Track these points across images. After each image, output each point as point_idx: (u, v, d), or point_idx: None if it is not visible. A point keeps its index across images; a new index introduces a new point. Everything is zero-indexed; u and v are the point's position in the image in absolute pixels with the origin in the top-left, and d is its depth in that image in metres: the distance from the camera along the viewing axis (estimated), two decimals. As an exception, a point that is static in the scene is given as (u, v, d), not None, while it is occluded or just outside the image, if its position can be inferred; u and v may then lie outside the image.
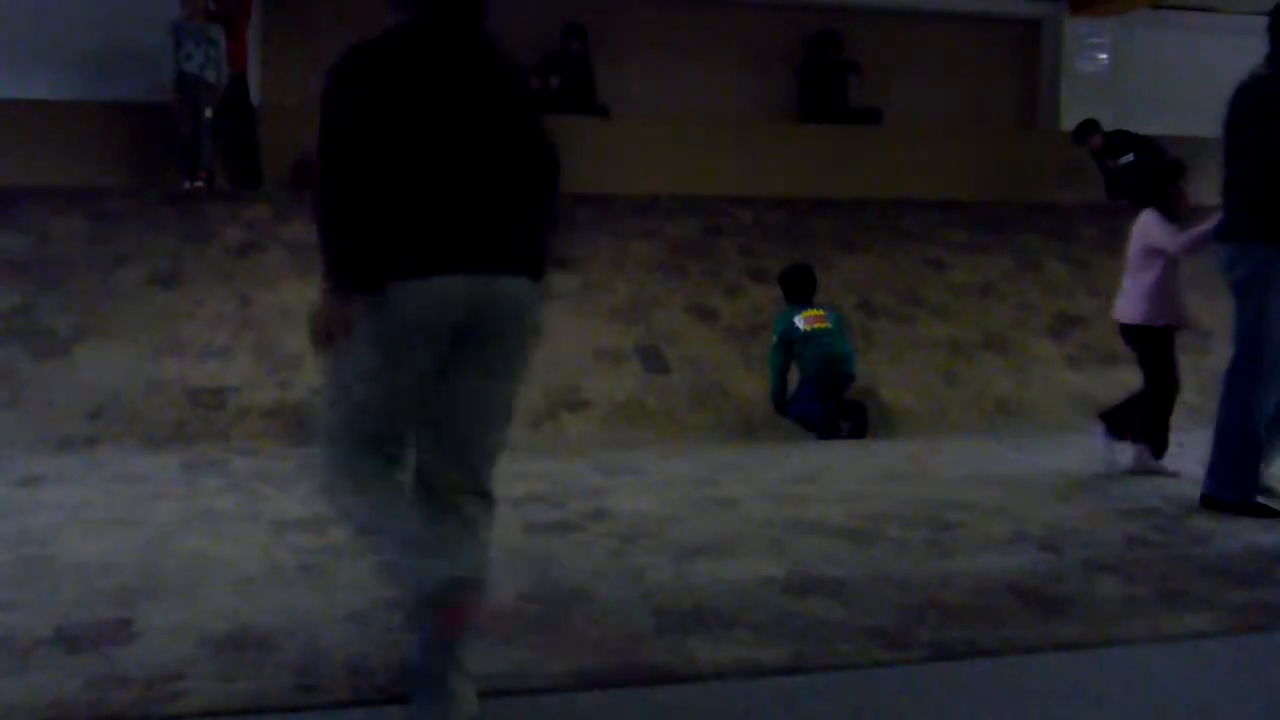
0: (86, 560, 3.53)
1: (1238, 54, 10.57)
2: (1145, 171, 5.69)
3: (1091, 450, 5.99)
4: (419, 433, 2.48)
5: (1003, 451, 5.96)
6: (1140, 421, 5.36)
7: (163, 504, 4.45)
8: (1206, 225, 4.91)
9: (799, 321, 6.61)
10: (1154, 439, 5.35)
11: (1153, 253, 5.29)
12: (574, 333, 7.22)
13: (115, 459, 5.51)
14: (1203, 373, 7.62)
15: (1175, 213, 5.32)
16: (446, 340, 2.42)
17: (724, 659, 2.69)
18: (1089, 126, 9.66)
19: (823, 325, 6.60)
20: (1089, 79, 10.59)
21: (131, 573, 3.39)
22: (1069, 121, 10.55)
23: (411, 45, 2.51)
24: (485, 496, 2.52)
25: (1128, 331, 5.51)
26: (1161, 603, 3.17)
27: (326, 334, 2.39)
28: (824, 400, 6.46)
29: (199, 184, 8.02)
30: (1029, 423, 6.91)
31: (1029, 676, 2.66)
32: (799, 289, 6.86)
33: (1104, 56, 10.59)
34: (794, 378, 6.68)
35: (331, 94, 2.43)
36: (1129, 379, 7.50)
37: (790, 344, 6.58)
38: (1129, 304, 5.45)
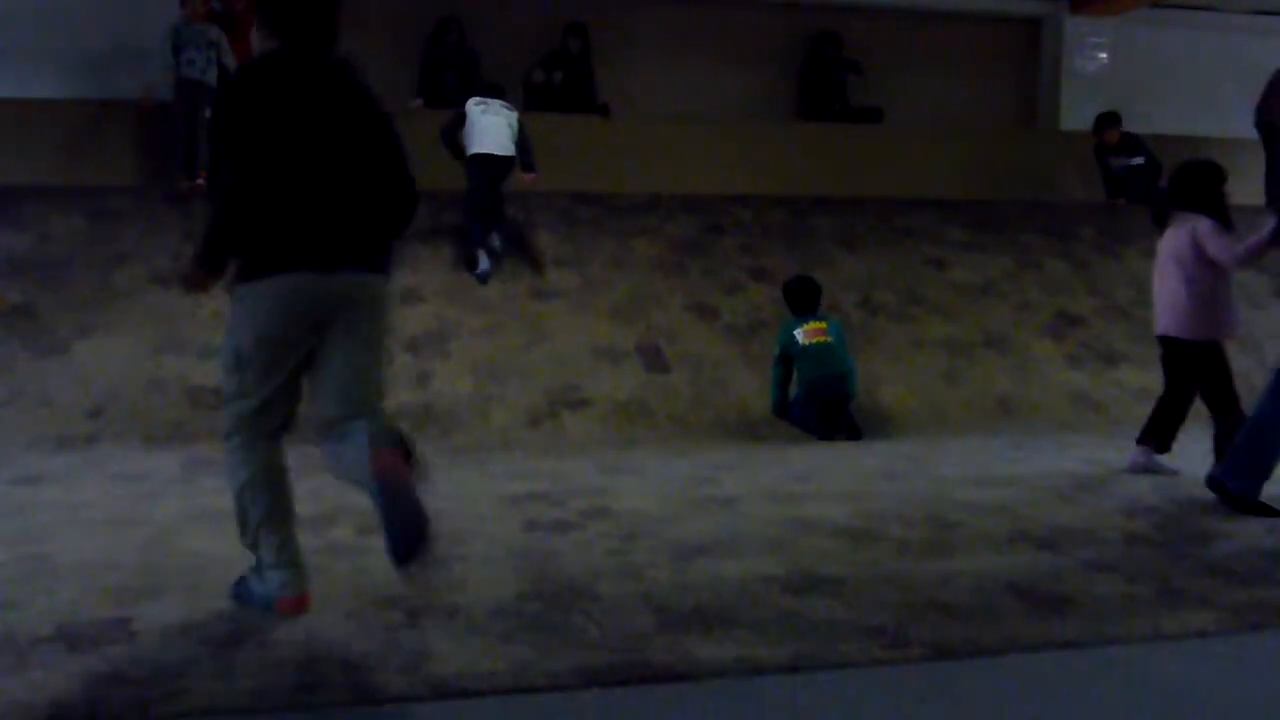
0: (86, 559, 3.53)
1: (1238, 52, 10.65)
2: (1193, 172, 5.02)
3: (1091, 449, 6.00)
4: (313, 400, 3.03)
5: (1002, 450, 5.96)
6: (1222, 441, 4.77)
7: (163, 502, 4.45)
8: (1263, 233, 4.71)
9: (799, 335, 6.60)
10: (1159, 436, 5.26)
11: (1208, 263, 4.84)
12: (574, 331, 7.23)
13: (115, 457, 5.51)
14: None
15: (1228, 218, 4.91)
16: (309, 326, 2.96)
17: (724, 658, 2.69)
18: (1111, 119, 9.61)
19: (822, 339, 6.56)
20: (1089, 77, 10.58)
21: (131, 571, 3.39)
22: (1069, 120, 10.55)
23: (276, 70, 3.02)
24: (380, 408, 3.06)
25: (1180, 347, 4.99)
26: (1161, 602, 3.17)
27: (187, 287, 3.18)
28: (821, 415, 6.49)
29: (199, 183, 8.02)
30: (1029, 421, 6.92)
31: (1029, 675, 2.66)
32: (801, 300, 6.81)
33: (1104, 55, 10.59)
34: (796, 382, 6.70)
35: (219, 108, 3.05)
36: (1128, 378, 7.53)
37: (790, 358, 6.58)
38: (1182, 318, 4.93)
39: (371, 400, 3.02)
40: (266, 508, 3.08)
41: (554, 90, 9.27)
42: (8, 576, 3.33)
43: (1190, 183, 4.99)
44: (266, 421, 3.05)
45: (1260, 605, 3.15)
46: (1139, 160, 9.55)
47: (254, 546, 3.08)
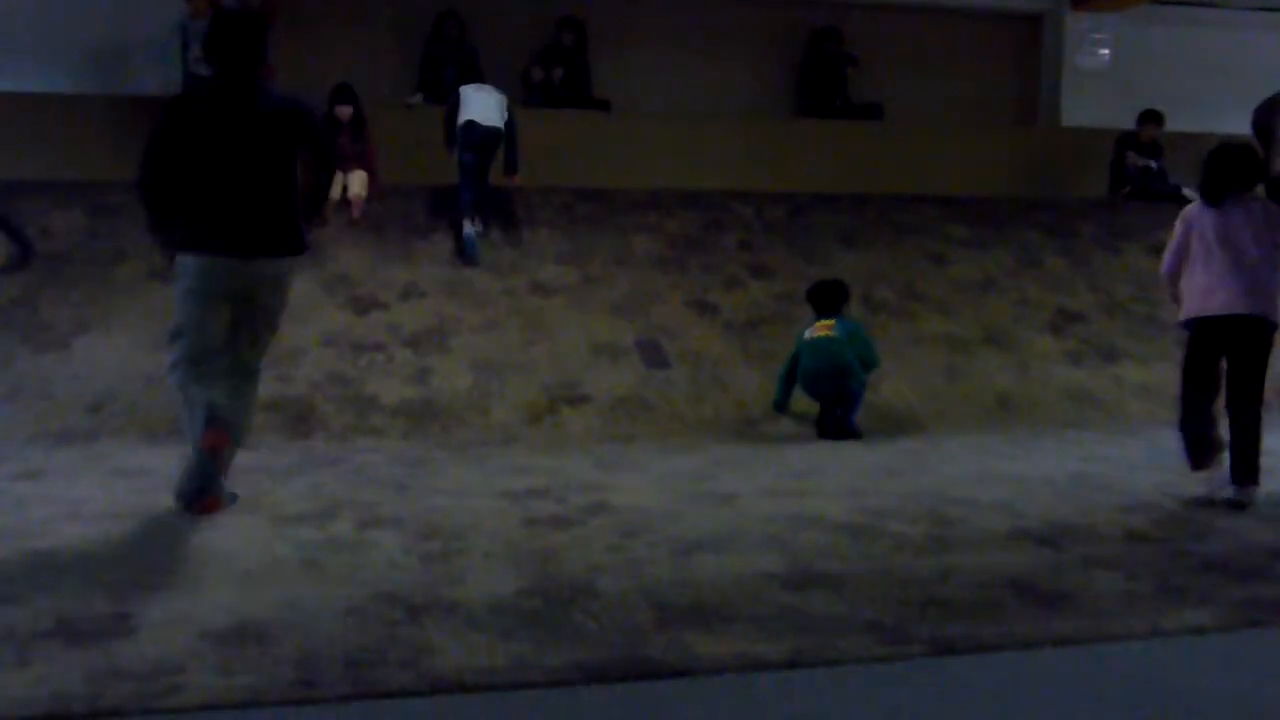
0: (86, 553, 3.53)
1: (1239, 48, 10.64)
2: (1244, 152, 4.77)
3: (1091, 445, 6.00)
4: (234, 345, 4.19)
5: (1002, 447, 5.96)
6: (1242, 443, 4.55)
7: (162, 497, 4.45)
8: None
9: (808, 332, 6.61)
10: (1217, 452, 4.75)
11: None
12: (574, 327, 7.23)
13: (115, 452, 5.52)
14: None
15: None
16: (230, 297, 4.11)
17: (723, 653, 2.69)
18: (1156, 118, 9.67)
19: (825, 334, 6.53)
20: (1090, 74, 10.58)
21: (131, 566, 3.39)
22: (1070, 117, 10.55)
23: (205, 97, 4.25)
24: (257, 370, 4.35)
25: (1251, 327, 4.56)
26: (1161, 598, 3.18)
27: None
28: (820, 410, 6.47)
29: None
30: (1029, 418, 6.91)
31: (1028, 672, 2.66)
32: (819, 300, 6.80)
33: (1105, 52, 10.58)
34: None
35: (159, 122, 4.07)
36: (1128, 374, 7.53)
37: (798, 356, 6.57)
38: (1264, 298, 4.55)
39: (253, 361, 4.31)
40: (199, 405, 4.08)
41: (554, 88, 9.26)
42: (7, 571, 3.33)
43: (1246, 162, 4.76)
44: (201, 358, 4.10)
45: (1259, 602, 3.15)
46: (1156, 164, 9.59)
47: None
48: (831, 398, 6.46)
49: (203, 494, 4.02)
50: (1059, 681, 2.59)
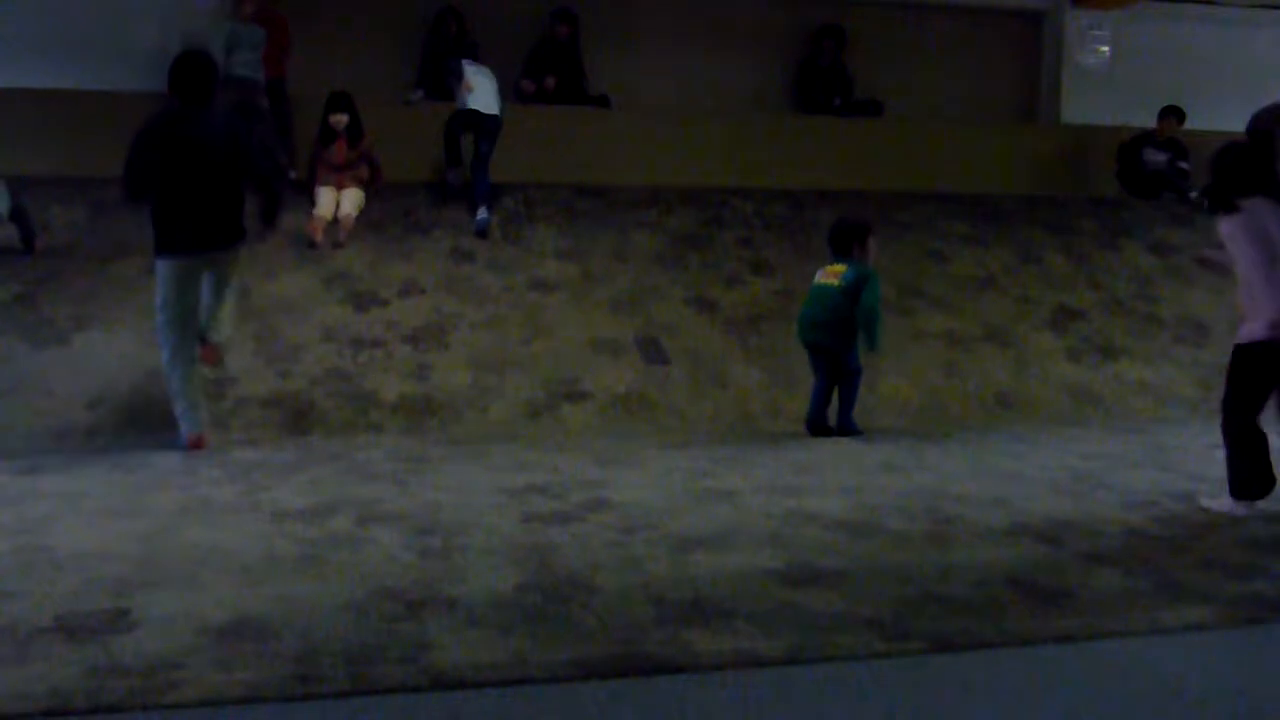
0: (85, 550, 3.54)
1: (1239, 46, 10.64)
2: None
3: (1090, 442, 6.00)
4: (206, 308, 5.67)
5: (1002, 444, 5.96)
6: None
7: (162, 494, 4.46)
8: None
9: (818, 273, 6.43)
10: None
11: None
12: (573, 324, 7.23)
13: (114, 448, 5.52)
14: (1201, 366, 7.64)
15: None
16: (196, 275, 5.49)
17: (723, 650, 2.69)
18: (1177, 113, 9.69)
19: (827, 282, 6.30)
20: (1091, 71, 10.57)
21: (130, 562, 3.39)
22: (1070, 114, 10.55)
23: (171, 120, 5.38)
24: (231, 289, 5.82)
25: None
26: (1160, 595, 3.18)
27: None
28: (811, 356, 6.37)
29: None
30: (1028, 415, 6.92)
31: (1028, 668, 2.67)
32: (833, 242, 6.52)
33: (1106, 49, 10.57)
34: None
35: (133, 145, 5.30)
36: (1128, 372, 7.54)
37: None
38: None
39: (222, 308, 5.77)
40: (180, 378, 5.51)
41: (547, 96, 9.22)
42: (7, 567, 3.33)
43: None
44: (179, 325, 5.46)
45: (1258, 599, 3.15)
46: (1184, 164, 9.62)
47: (174, 401, 5.58)
48: (818, 349, 6.30)
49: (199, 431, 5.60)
50: (1058, 678, 2.59)
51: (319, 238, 7.56)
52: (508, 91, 8.68)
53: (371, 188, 8.12)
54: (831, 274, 6.34)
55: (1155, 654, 2.76)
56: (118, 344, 6.52)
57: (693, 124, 9.42)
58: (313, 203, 7.85)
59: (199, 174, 5.33)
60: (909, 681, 2.55)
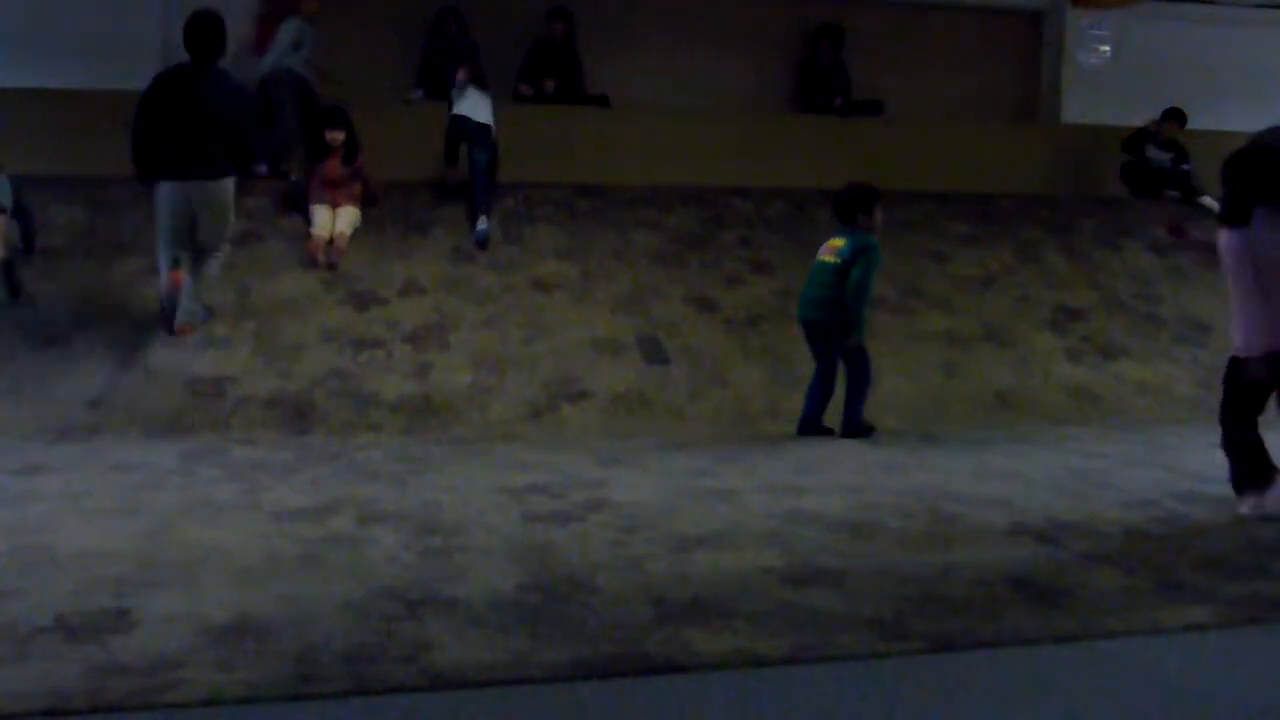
0: (85, 549, 3.53)
1: (1240, 46, 10.63)
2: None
3: (1090, 442, 5.99)
4: (194, 238, 6.49)
5: (1002, 443, 5.96)
6: None
7: (162, 493, 4.45)
8: None
9: (821, 248, 6.28)
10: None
11: None
12: (574, 324, 7.22)
13: (114, 448, 5.51)
14: (1201, 366, 7.64)
15: None
16: (189, 208, 6.38)
17: (723, 649, 2.69)
18: (1179, 115, 9.72)
19: (825, 259, 6.17)
20: (1091, 71, 10.57)
21: (130, 562, 3.39)
22: (1071, 114, 10.54)
23: (177, 74, 6.40)
24: (218, 249, 6.71)
25: None
26: (1160, 595, 3.18)
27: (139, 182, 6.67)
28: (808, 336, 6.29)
29: (263, 171, 8.23)
30: (1028, 415, 6.91)
31: (1028, 668, 2.66)
32: (837, 209, 6.31)
33: (1106, 49, 10.56)
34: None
35: (143, 97, 6.34)
36: (1128, 372, 7.53)
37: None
38: None
39: (217, 241, 6.62)
40: (165, 244, 6.46)
41: (546, 99, 9.20)
42: (7, 566, 3.33)
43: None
44: (173, 242, 6.40)
45: (1259, 599, 3.15)
46: (1187, 166, 9.63)
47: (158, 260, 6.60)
48: (814, 327, 6.19)
49: (170, 321, 6.49)
50: (1058, 678, 2.59)
51: (319, 258, 7.43)
52: (506, 100, 8.67)
53: (364, 207, 7.98)
54: (830, 250, 6.20)
55: (1155, 654, 2.76)
56: (118, 344, 6.52)
57: (693, 124, 9.41)
58: (308, 221, 7.73)
59: (191, 117, 6.25)
60: (909, 681, 2.55)
